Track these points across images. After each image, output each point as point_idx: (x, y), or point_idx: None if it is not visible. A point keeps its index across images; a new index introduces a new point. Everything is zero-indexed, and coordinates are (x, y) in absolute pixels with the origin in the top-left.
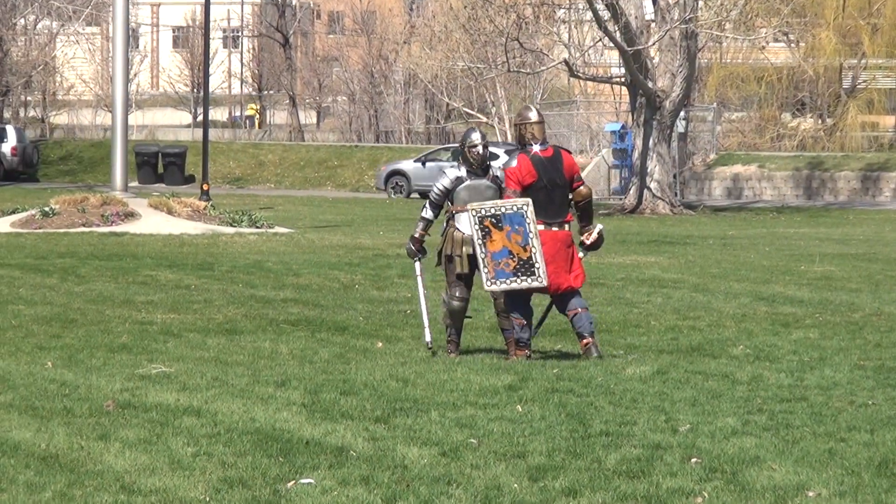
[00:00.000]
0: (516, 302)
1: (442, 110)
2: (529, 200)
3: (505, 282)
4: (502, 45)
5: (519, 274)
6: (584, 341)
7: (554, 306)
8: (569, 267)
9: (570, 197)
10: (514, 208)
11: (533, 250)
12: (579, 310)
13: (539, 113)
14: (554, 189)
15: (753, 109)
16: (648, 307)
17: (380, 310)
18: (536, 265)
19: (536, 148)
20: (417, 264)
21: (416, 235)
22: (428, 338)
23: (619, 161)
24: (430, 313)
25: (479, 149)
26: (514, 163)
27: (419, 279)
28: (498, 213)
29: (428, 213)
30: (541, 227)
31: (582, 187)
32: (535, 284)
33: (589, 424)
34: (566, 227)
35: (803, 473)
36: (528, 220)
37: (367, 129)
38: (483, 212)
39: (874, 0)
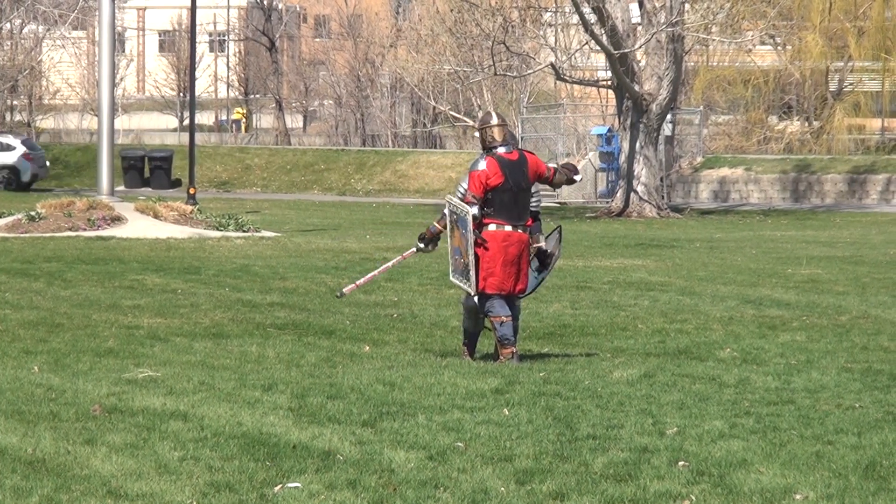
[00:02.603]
0: (491, 302)
1: (428, 114)
2: (469, 210)
3: (457, 278)
4: (489, 49)
5: (462, 274)
6: (508, 350)
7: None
8: (522, 271)
9: (551, 183)
10: (465, 213)
11: (469, 258)
12: (507, 318)
13: (500, 116)
14: (519, 192)
15: (740, 112)
16: (635, 310)
17: (366, 314)
18: (471, 272)
19: (501, 150)
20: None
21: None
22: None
23: (606, 164)
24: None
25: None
26: (482, 165)
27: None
28: (457, 212)
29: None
30: (507, 228)
31: (556, 177)
32: (468, 289)
33: (576, 428)
34: (527, 230)
35: (790, 476)
36: (468, 229)
37: (353, 133)
38: (452, 206)
39: (860, 3)
